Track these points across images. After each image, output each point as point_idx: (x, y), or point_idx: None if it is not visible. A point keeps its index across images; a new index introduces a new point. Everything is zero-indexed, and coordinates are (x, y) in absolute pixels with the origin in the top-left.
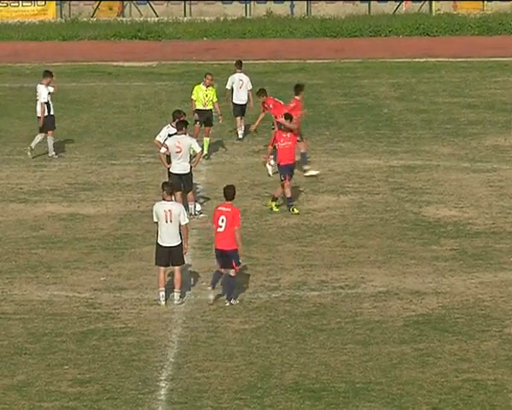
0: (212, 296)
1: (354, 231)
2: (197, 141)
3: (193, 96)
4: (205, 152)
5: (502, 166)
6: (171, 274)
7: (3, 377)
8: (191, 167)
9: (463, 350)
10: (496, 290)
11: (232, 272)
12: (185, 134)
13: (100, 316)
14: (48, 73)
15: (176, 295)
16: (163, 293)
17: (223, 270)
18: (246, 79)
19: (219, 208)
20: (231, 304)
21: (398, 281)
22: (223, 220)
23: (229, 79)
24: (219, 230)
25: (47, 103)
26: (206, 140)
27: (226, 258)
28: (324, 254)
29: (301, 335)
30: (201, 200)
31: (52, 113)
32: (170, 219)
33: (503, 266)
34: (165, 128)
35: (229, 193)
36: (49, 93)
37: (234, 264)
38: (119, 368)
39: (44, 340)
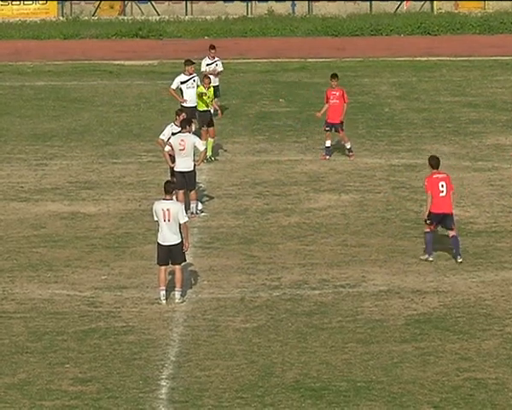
0: (431, 258)
1: (355, 230)
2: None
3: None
4: (209, 153)
5: (503, 164)
6: (172, 273)
7: (5, 375)
8: (195, 166)
9: (464, 349)
10: (497, 289)
11: (454, 232)
12: (189, 132)
13: (101, 315)
14: (189, 62)
15: (177, 294)
16: (163, 292)
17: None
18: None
19: (435, 176)
20: (461, 261)
21: (399, 280)
22: (443, 185)
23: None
24: (441, 194)
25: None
26: (211, 141)
27: (446, 220)
28: (325, 252)
29: (302, 334)
30: (203, 199)
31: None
32: (168, 218)
33: (504, 265)
34: (168, 127)
35: (437, 162)
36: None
37: (452, 225)
38: (120, 367)
39: (45, 339)
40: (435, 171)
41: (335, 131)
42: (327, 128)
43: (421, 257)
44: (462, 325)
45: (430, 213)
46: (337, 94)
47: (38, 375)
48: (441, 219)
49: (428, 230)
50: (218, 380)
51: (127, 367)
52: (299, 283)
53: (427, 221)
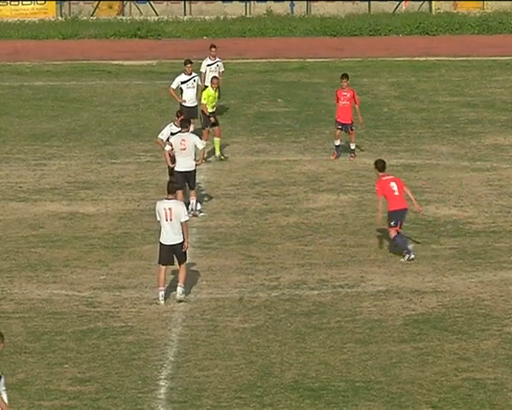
0: (412, 255)
1: (354, 230)
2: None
3: (204, 101)
4: (218, 153)
5: (501, 165)
6: (172, 273)
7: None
8: (196, 165)
9: (463, 349)
10: (495, 289)
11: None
12: (189, 132)
13: (99, 315)
14: (188, 61)
15: (179, 289)
16: (162, 292)
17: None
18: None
19: (384, 178)
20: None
21: (397, 280)
22: (393, 185)
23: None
24: (396, 194)
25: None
26: (217, 140)
27: (405, 215)
28: (324, 253)
29: (301, 334)
30: (202, 199)
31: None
32: (170, 218)
33: (503, 265)
34: (167, 127)
35: (383, 165)
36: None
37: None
38: (119, 367)
39: (44, 339)
40: (383, 174)
41: (345, 131)
42: (339, 127)
43: (402, 260)
44: (460, 325)
45: (392, 212)
46: (348, 95)
47: (37, 375)
48: (403, 215)
49: (395, 233)
50: (216, 380)
51: (126, 367)
52: (297, 283)
53: (392, 223)
